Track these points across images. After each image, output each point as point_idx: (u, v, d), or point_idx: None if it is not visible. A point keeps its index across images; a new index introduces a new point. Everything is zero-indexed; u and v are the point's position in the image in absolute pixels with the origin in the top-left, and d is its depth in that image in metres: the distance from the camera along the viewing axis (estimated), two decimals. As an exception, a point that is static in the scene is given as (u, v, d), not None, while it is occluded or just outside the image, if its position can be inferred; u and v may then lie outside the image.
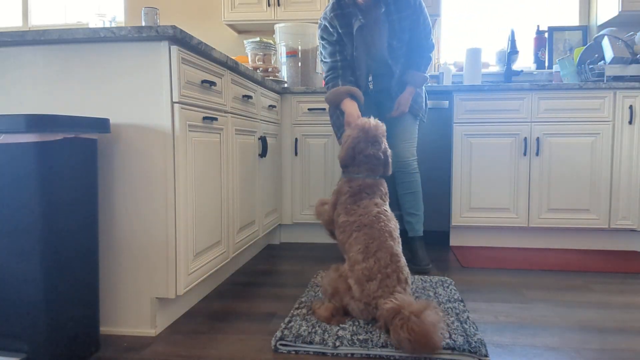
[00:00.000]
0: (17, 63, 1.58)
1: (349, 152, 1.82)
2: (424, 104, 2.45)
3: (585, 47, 3.03)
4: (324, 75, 2.39)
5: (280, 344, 1.45)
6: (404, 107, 2.35)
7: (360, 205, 1.74)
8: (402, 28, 2.20)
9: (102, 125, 1.42)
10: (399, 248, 1.66)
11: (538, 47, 3.44)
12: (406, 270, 1.60)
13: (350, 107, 2.21)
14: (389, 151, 1.87)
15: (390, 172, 1.88)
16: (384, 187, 1.84)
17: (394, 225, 1.72)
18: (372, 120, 1.86)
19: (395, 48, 2.25)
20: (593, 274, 2.30)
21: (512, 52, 3.16)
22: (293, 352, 1.43)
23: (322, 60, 2.38)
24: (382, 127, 1.87)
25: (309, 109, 2.92)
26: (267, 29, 3.49)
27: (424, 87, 2.45)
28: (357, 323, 1.55)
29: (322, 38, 2.30)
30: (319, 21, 2.33)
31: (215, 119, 1.81)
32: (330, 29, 2.24)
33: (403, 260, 1.63)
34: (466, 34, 3.68)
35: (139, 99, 1.54)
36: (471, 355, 1.36)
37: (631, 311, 1.79)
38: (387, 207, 1.78)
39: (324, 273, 2.04)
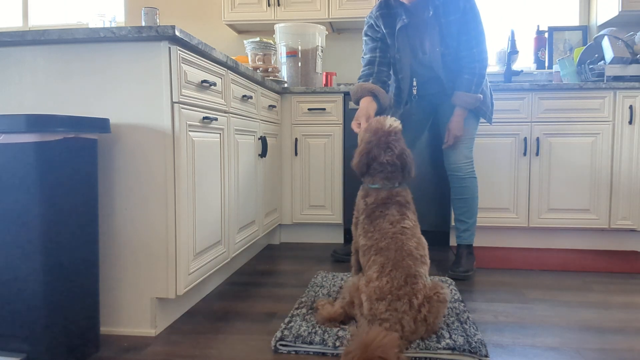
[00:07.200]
0: (17, 63, 1.58)
1: (363, 160, 1.64)
2: (490, 103, 2.22)
3: (585, 47, 3.03)
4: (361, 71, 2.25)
5: (280, 344, 1.45)
6: (455, 132, 2.14)
7: (376, 226, 1.57)
8: (450, 33, 2.03)
9: (102, 125, 1.42)
10: (421, 269, 1.48)
11: (538, 47, 3.44)
12: (421, 294, 1.41)
13: (363, 104, 2.07)
14: (407, 153, 1.66)
15: (412, 177, 1.68)
16: (404, 197, 1.64)
17: (416, 243, 1.52)
18: (386, 120, 1.65)
19: (444, 54, 2.09)
20: (593, 274, 2.29)
21: (512, 52, 3.16)
22: (293, 353, 1.43)
23: (362, 57, 2.26)
24: (397, 127, 1.66)
25: (309, 109, 2.92)
26: (267, 29, 3.49)
27: (487, 84, 2.22)
28: (357, 324, 1.55)
29: (366, 34, 2.21)
30: (365, 19, 2.24)
31: (215, 119, 1.81)
32: (376, 27, 2.15)
33: (422, 282, 1.44)
34: (466, 34, 3.67)
35: (139, 98, 1.54)
36: (471, 355, 1.36)
37: (631, 311, 1.79)
38: (407, 222, 1.58)
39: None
